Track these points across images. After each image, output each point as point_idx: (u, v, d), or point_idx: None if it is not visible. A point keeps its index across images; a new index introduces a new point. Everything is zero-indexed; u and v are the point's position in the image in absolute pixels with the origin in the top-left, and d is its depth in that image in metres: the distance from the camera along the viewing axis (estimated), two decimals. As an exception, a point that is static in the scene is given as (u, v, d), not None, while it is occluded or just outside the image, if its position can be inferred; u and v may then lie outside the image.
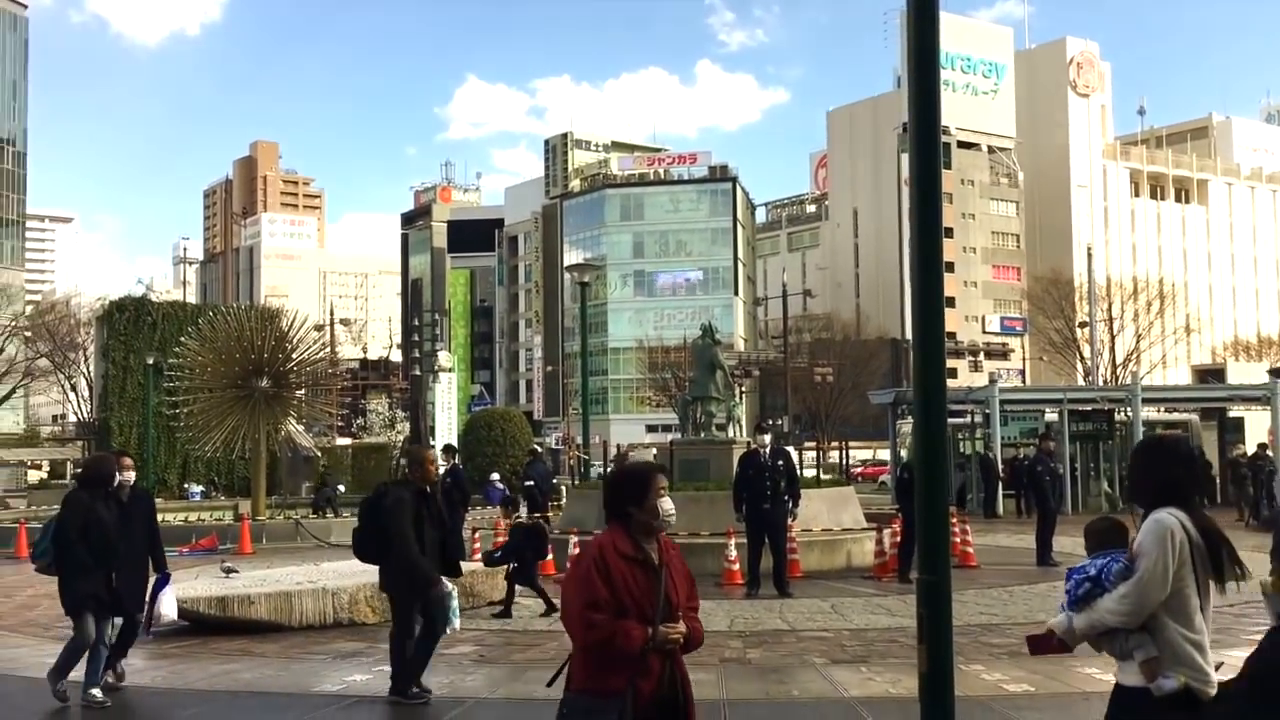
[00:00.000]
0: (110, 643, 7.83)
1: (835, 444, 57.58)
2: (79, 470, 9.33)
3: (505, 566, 11.70)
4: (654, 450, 33.78)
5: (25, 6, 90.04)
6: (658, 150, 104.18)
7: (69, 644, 7.73)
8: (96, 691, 7.57)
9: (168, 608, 8.68)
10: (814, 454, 51.22)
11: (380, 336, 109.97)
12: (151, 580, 8.47)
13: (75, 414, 63.85)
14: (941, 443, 4.48)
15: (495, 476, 24.26)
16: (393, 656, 7.62)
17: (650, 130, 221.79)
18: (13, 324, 51.26)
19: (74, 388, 56.01)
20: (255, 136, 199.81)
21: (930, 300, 4.37)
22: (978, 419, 29.96)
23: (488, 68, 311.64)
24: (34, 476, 61.14)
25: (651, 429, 75.74)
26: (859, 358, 65.52)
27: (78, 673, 7.69)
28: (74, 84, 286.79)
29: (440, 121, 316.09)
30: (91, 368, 49.39)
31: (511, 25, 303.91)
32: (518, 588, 11.56)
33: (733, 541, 13.49)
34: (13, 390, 49.46)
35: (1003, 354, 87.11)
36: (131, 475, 8.29)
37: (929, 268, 4.37)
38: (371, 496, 7.93)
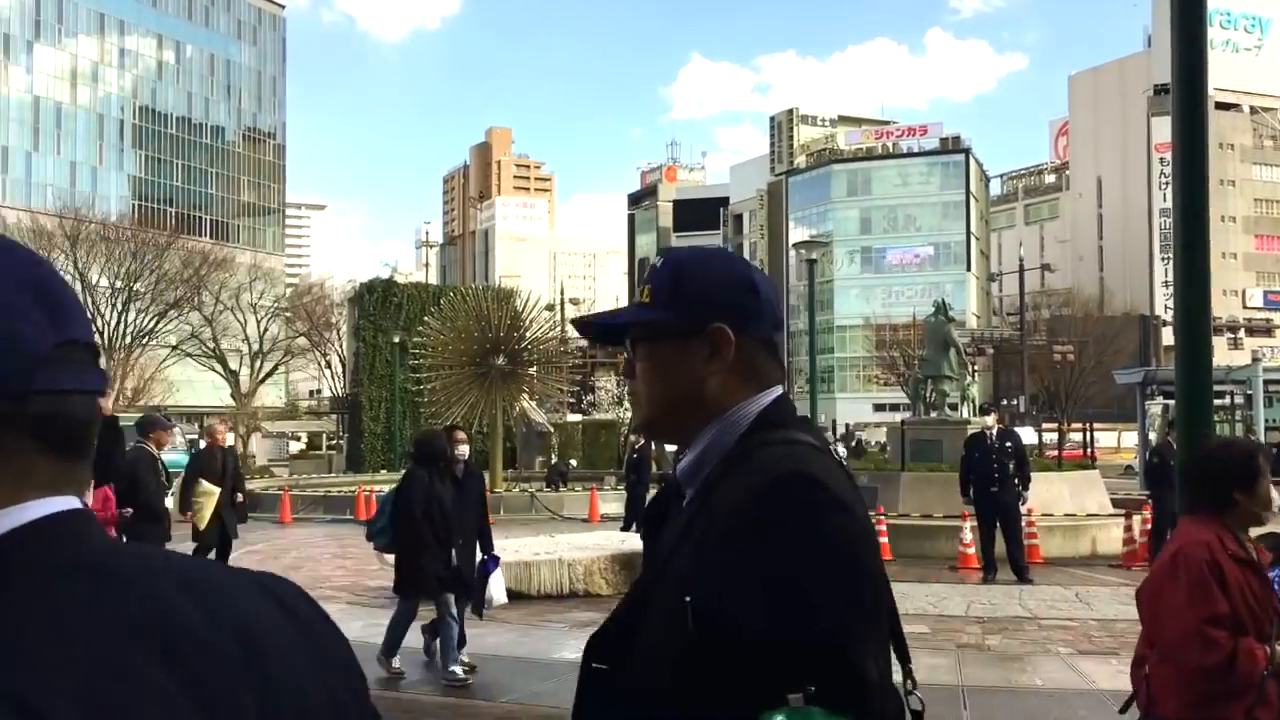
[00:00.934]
0: (455, 618, 7.61)
1: (1078, 426, 54.98)
2: (412, 447, 8.84)
3: None
4: (884, 429, 33.08)
5: (283, 7, 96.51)
6: (886, 123, 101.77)
7: (393, 620, 7.74)
8: (458, 669, 7.49)
9: (497, 590, 8.25)
10: (1055, 435, 49.08)
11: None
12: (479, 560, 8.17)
13: (329, 389, 68.31)
14: (1206, 426, 4.20)
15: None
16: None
17: (878, 103, 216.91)
18: (275, 305, 55.16)
19: (328, 364, 59.78)
20: (490, 123, 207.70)
21: (1194, 273, 4.09)
22: (1238, 400, 27.94)
23: (712, 46, 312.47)
24: (294, 448, 65.89)
25: (879, 408, 74.41)
26: (1103, 335, 62.13)
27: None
28: (326, 79, 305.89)
29: (665, 102, 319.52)
30: (344, 346, 52.63)
31: (736, 2, 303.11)
32: None
33: (968, 524, 13.09)
34: (276, 367, 53.27)
35: (1266, 330, 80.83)
36: (465, 450, 7.96)
37: (1193, 239, 4.10)
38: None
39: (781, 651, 1.11)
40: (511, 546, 11.22)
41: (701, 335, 1.35)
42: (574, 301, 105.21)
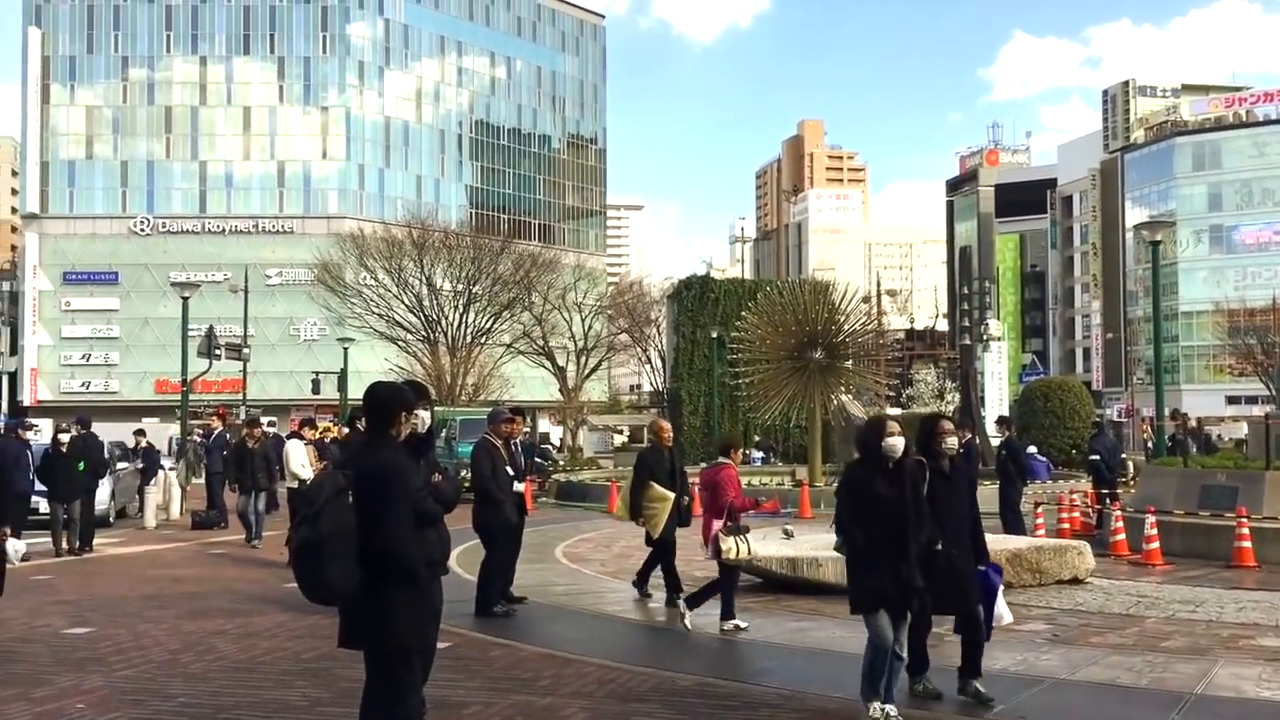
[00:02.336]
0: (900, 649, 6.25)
1: None
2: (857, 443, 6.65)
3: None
4: (1241, 424, 30.23)
5: (602, 17, 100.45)
6: (1238, 90, 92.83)
7: (868, 653, 6.25)
8: (890, 708, 6.15)
9: (1004, 606, 6.83)
10: None
11: (926, 306, 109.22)
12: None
13: (649, 383, 70.45)
14: None
15: (1033, 449, 23.17)
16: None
17: (1227, 70, 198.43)
18: (598, 304, 57.47)
19: (648, 360, 61.64)
20: (801, 116, 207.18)
21: None
22: None
23: (1037, 21, 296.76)
24: (617, 440, 68.44)
25: (1232, 400, 68.16)
26: None
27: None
28: (642, 83, 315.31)
29: (984, 84, 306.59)
30: (663, 341, 54.07)
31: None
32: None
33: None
34: (599, 363, 55.49)
35: None
36: (953, 441, 6.64)
37: None
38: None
39: None
40: (807, 539, 11.10)
41: None
42: (890, 293, 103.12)
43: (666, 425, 11.08)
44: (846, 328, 25.57)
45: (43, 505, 16.22)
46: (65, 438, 15.62)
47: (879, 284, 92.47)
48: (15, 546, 8.62)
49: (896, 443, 6.16)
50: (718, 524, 9.16)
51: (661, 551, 10.37)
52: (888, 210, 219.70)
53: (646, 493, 10.14)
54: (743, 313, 28.27)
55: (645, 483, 10.16)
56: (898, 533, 6.08)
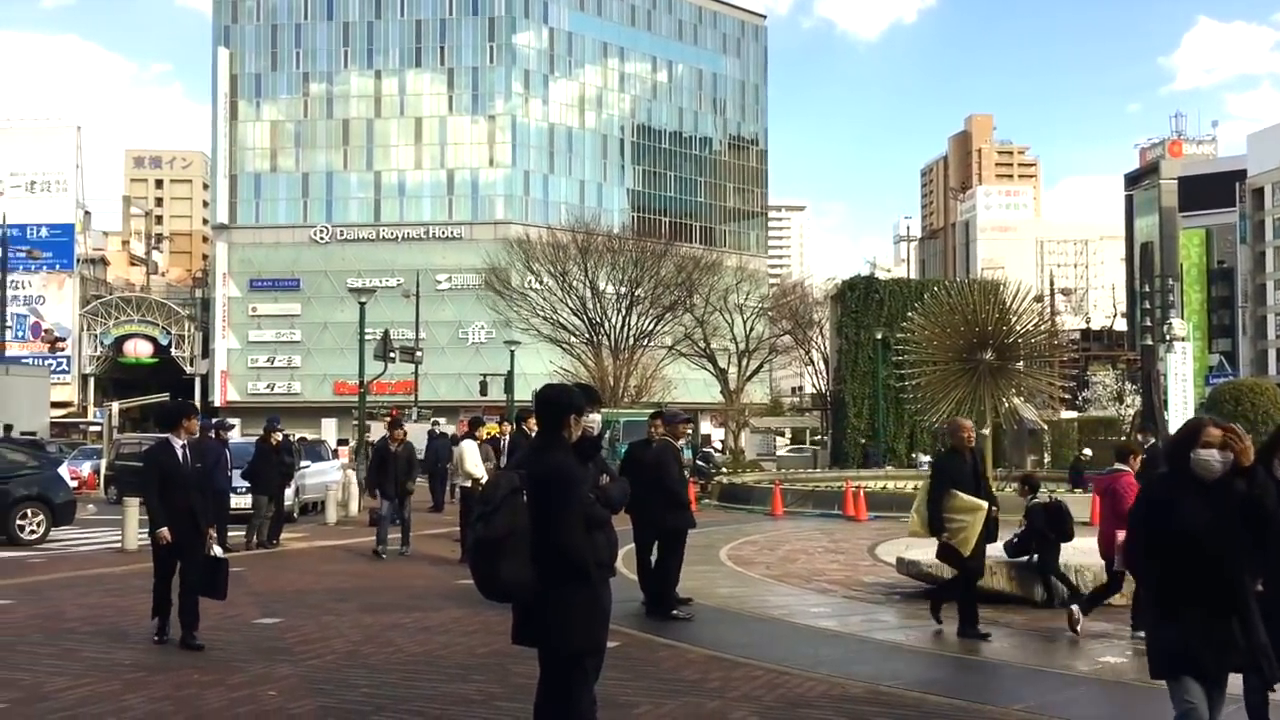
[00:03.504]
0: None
1: None
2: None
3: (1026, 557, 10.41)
4: None
5: (764, 17, 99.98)
6: None
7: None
8: None
9: None
10: None
11: (1103, 305, 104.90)
12: None
13: (812, 385, 69.72)
14: None
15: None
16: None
17: None
18: (759, 306, 57.19)
19: (810, 362, 61.01)
20: (969, 111, 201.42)
21: None
22: None
23: (1222, 6, 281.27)
24: (779, 443, 68.03)
25: None
26: None
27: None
28: (804, 83, 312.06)
29: (1165, 73, 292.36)
30: (826, 343, 53.47)
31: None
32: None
33: None
34: (761, 365, 55.22)
35: None
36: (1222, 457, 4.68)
37: None
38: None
39: None
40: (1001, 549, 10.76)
41: None
42: (1064, 292, 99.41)
43: (968, 424, 9.68)
44: (1018, 328, 24.72)
45: (237, 501, 17.17)
46: (279, 437, 16.57)
47: (1052, 282, 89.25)
48: (216, 551, 8.71)
49: (1211, 459, 4.69)
50: (1121, 534, 8.38)
51: (969, 574, 9.13)
52: (1061, 206, 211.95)
53: (951, 503, 8.95)
54: (908, 313, 27.69)
55: (948, 492, 9.01)
56: (1208, 571, 4.59)
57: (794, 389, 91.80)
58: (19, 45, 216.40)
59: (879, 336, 35.57)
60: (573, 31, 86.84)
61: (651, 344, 50.78)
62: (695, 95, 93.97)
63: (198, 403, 74.29)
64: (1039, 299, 53.25)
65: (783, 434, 75.06)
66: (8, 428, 31.65)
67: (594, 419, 5.14)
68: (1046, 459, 34.75)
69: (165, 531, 8.37)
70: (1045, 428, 34.57)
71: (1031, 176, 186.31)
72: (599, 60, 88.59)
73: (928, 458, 36.31)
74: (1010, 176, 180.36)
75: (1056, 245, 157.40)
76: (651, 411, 11.89)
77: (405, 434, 16.24)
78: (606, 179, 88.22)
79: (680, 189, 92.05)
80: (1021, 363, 25.39)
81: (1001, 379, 24.53)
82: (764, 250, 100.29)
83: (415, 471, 16.00)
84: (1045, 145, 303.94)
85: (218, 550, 8.72)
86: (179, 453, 8.58)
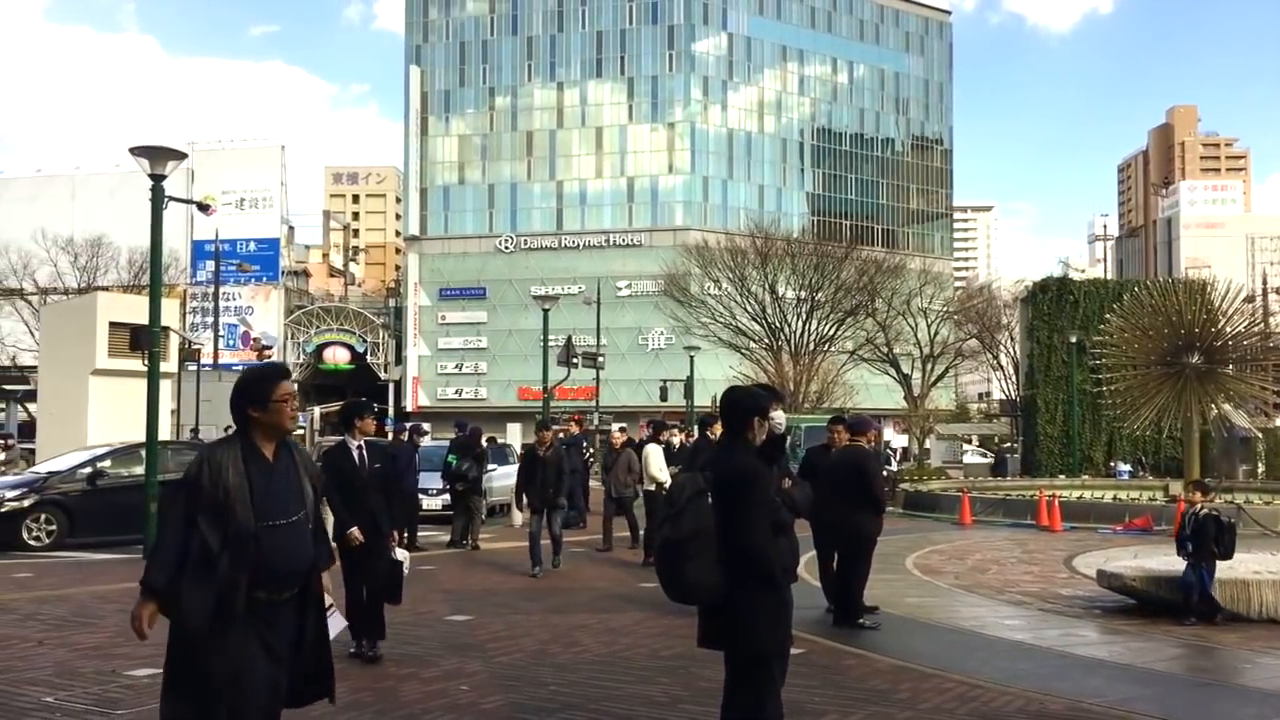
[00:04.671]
0: None
1: None
2: None
3: None
4: None
5: (949, 13, 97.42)
6: None
7: None
8: None
9: None
10: None
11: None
12: None
13: (1001, 391, 67.44)
14: None
15: None
16: None
17: None
18: (944, 309, 55.74)
19: (999, 366, 59.11)
20: (1170, 103, 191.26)
21: None
22: None
23: None
24: (965, 450, 65.99)
25: None
26: None
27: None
28: (992, 80, 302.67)
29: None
30: (1015, 347, 51.68)
31: None
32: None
33: None
34: (946, 370, 53.82)
35: None
36: None
37: None
38: None
39: None
40: (1223, 564, 10.11)
41: None
42: (1279, 291, 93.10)
43: None
44: (1228, 330, 23.31)
45: (427, 503, 17.80)
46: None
47: (1265, 281, 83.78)
48: (402, 556, 8.31)
49: None
50: None
51: None
52: (1275, 200, 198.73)
53: None
54: (1106, 315, 26.45)
55: None
56: None
57: (982, 395, 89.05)
58: (230, 72, 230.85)
59: (1073, 340, 34.03)
60: (752, 36, 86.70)
61: (832, 349, 50.15)
62: (877, 96, 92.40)
63: (391, 408, 77.53)
64: (1250, 299, 50.15)
65: (970, 440, 72.92)
66: (229, 429, 33.77)
67: (779, 417, 5.09)
68: (1260, 469, 32.58)
69: (356, 531, 7.99)
70: (1259, 435, 32.40)
71: (1241, 170, 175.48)
72: (778, 64, 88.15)
73: (1127, 466, 34.66)
74: (1217, 170, 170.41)
75: (1270, 242, 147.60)
76: (831, 417, 11.71)
77: (555, 437, 14.60)
78: (786, 183, 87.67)
79: (861, 191, 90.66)
80: (1232, 367, 23.92)
81: (1209, 383, 23.17)
82: (949, 252, 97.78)
83: (566, 482, 14.29)
84: (1256, 136, 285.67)
85: (400, 554, 8.34)
86: (355, 454, 8.19)
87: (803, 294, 49.63)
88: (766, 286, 49.76)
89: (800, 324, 49.11)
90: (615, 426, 21.13)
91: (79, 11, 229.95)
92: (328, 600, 4.40)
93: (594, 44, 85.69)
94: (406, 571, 8.38)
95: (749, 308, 49.93)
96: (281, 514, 4.09)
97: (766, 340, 49.36)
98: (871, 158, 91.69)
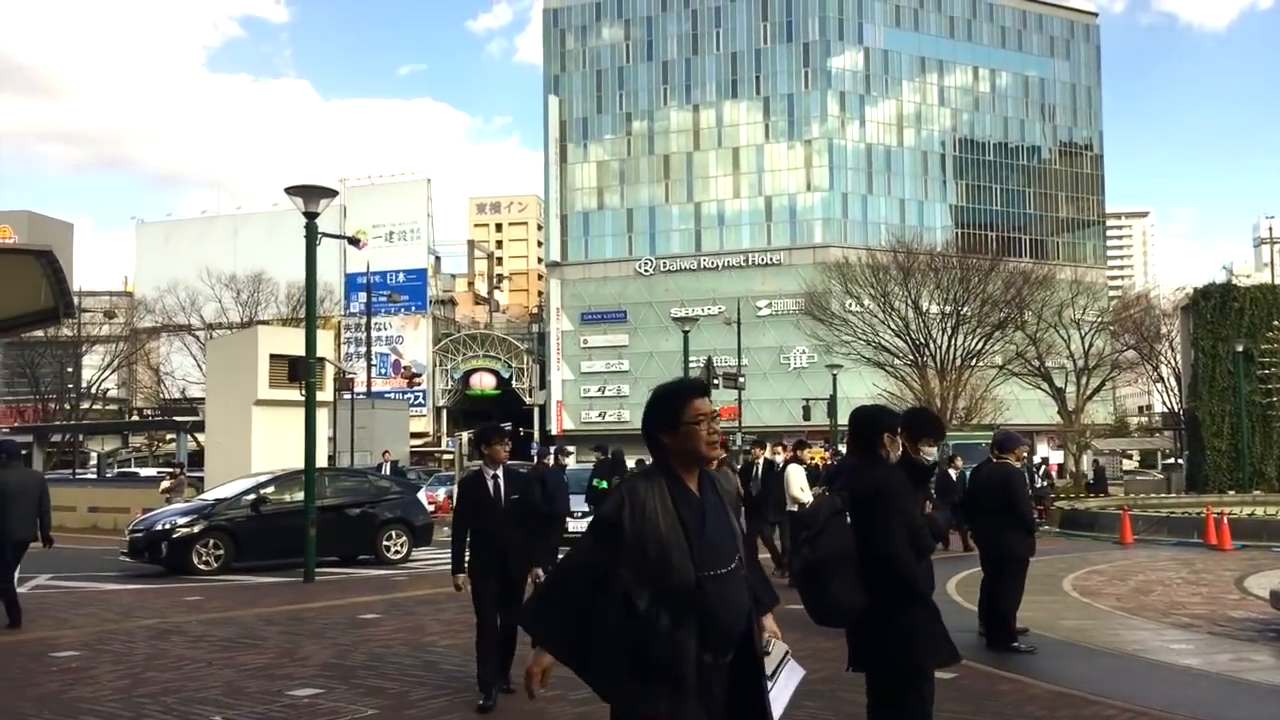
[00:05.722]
0: None
1: None
2: None
3: None
4: None
5: (1095, 15, 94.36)
6: None
7: None
8: None
9: None
10: None
11: None
12: None
13: (1162, 403, 64.62)
14: None
15: None
16: None
17: None
18: (1098, 320, 53.74)
19: (1159, 378, 56.65)
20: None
21: None
22: None
23: None
24: (1125, 466, 63.40)
25: None
26: None
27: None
28: (1144, 82, 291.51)
29: None
30: (1177, 357, 49.47)
31: None
32: None
33: None
34: (1102, 383, 51.83)
35: None
36: None
37: None
38: None
39: None
40: None
41: None
42: None
43: None
44: None
45: (573, 525, 18.03)
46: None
47: None
48: None
49: None
50: None
51: None
52: None
53: None
54: (1274, 322, 25.15)
55: None
56: None
57: (1141, 408, 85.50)
58: (380, 111, 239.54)
59: (1239, 349, 32.43)
60: (889, 49, 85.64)
61: (980, 364, 48.89)
62: (1021, 103, 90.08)
63: (536, 432, 78.86)
64: None
65: (1130, 456, 70.00)
66: (386, 453, 34.84)
67: (931, 452, 5.10)
68: None
69: (461, 579, 7.45)
70: None
71: None
72: (917, 76, 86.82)
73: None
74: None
75: None
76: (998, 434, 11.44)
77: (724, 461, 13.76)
78: (927, 196, 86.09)
79: (1007, 201, 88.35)
80: None
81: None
82: (1102, 261, 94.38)
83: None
84: None
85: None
86: (489, 484, 7.47)
87: (948, 308, 48.53)
88: (910, 302, 48.85)
89: (946, 339, 48.04)
90: (754, 447, 21.03)
91: (239, 61, 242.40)
92: (782, 647, 3.75)
93: (729, 65, 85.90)
94: None
95: (892, 324, 49.09)
96: (721, 561, 3.39)
97: (911, 357, 48.42)
98: (1017, 167, 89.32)
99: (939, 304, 48.96)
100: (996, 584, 9.51)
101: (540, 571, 7.47)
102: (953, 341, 47.89)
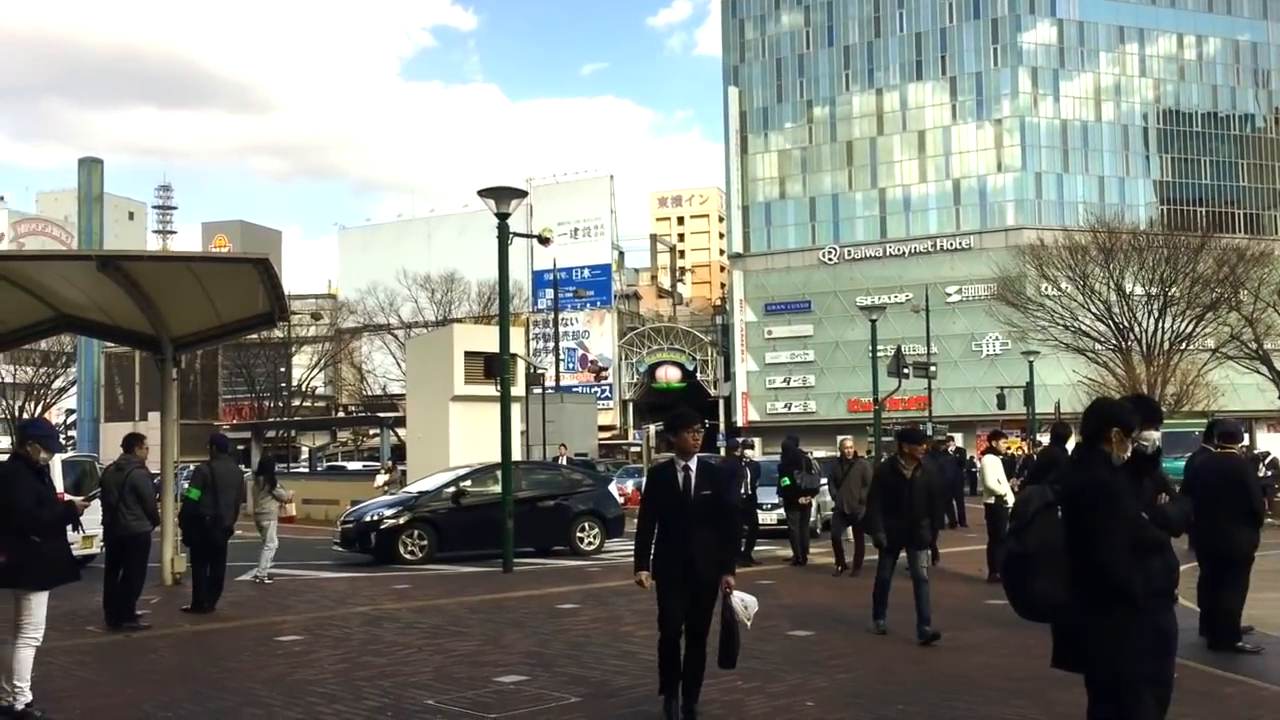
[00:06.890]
0: None
1: None
2: None
3: None
4: None
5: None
6: None
7: None
8: None
9: None
10: None
11: None
12: None
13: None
14: None
15: None
16: None
17: None
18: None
19: None
20: None
21: None
22: None
23: None
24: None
25: None
26: None
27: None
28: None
29: None
30: None
31: None
32: None
33: None
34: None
35: None
36: None
37: None
38: None
39: None
40: None
41: None
42: None
43: None
44: None
45: (763, 517, 17.98)
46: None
47: None
48: (744, 601, 6.48)
49: None
50: None
51: None
52: None
53: None
54: None
55: None
56: None
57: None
58: (565, 110, 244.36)
59: None
60: (1084, 20, 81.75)
61: (1190, 347, 46.30)
62: (1231, 70, 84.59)
63: (722, 424, 78.95)
64: None
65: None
66: (562, 447, 35.58)
67: (1151, 435, 4.86)
68: None
69: (644, 577, 6.65)
70: None
71: None
72: (1115, 47, 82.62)
73: None
74: None
75: None
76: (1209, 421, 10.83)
77: (927, 449, 12.09)
78: (1129, 172, 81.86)
79: (1217, 174, 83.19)
80: None
81: None
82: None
83: (940, 510, 12.59)
84: None
85: (738, 604, 6.46)
86: (679, 476, 6.60)
87: (1154, 290, 46.14)
88: (1112, 284, 46.64)
89: (1152, 322, 45.69)
90: (840, 438, 20.87)
91: (430, 68, 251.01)
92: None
93: (913, 46, 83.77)
94: (749, 624, 6.57)
95: (1093, 308, 46.97)
96: None
97: (1114, 341, 46.24)
98: (1228, 137, 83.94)
99: (1144, 285, 46.62)
100: (1219, 581, 8.98)
101: (731, 580, 6.50)
102: (1160, 324, 45.54)
